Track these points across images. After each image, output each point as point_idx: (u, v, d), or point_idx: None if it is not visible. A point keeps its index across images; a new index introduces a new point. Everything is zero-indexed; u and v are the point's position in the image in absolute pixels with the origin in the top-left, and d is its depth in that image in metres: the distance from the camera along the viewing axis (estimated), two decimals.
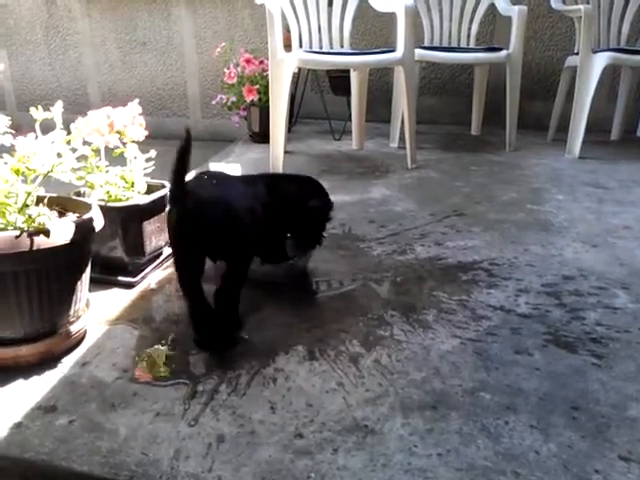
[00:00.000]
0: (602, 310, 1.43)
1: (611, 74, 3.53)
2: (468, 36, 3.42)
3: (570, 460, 0.93)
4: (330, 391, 1.11)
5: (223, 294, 1.25)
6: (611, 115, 3.55)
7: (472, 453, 0.95)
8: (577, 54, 3.05)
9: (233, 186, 1.39)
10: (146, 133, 1.52)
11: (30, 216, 1.17)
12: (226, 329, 1.27)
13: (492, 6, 3.30)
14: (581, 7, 2.91)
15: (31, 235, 1.09)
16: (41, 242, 1.10)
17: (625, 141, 3.52)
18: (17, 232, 1.09)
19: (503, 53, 3.05)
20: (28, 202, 1.18)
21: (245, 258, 1.29)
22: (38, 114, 1.23)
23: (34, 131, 1.20)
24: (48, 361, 1.19)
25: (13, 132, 1.21)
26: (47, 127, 1.23)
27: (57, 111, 1.25)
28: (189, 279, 1.23)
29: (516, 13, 3.03)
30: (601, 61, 2.88)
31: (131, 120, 1.47)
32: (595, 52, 2.95)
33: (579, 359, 1.22)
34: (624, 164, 2.96)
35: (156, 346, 1.26)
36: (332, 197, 1.60)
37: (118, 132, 1.46)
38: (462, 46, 3.41)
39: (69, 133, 1.29)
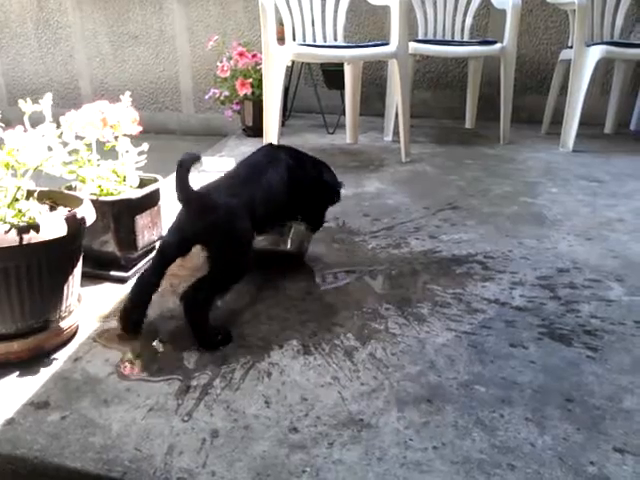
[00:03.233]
0: (596, 302, 1.43)
1: (605, 67, 3.53)
2: (462, 29, 3.41)
3: (565, 452, 0.93)
4: (325, 385, 1.10)
5: (192, 295, 1.22)
6: (605, 108, 3.56)
7: (468, 446, 0.95)
8: (571, 47, 3.05)
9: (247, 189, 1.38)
10: (140, 129, 1.51)
11: (20, 210, 1.15)
12: (206, 339, 1.24)
13: None
14: (575, 0, 2.91)
15: (21, 230, 1.08)
16: (31, 237, 1.08)
17: (618, 134, 3.53)
18: (7, 227, 1.08)
19: (497, 46, 3.04)
20: (18, 196, 1.17)
21: (232, 265, 1.27)
22: (27, 107, 1.21)
23: (24, 125, 1.18)
24: (40, 357, 1.17)
25: (3, 126, 1.19)
26: (38, 121, 1.22)
27: (46, 104, 1.23)
28: (161, 264, 1.29)
29: (510, 6, 3.02)
30: (595, 54, 2.88)
31: (125, 117, 1.46)
32: (589, 45, 2.95)
33: (574, 352, 1.22)
34: (617, 157, 2.97)
35: (150, 341, 1.26)
36: None
37: (112, 127, 1.45)
38: (456, 39, 3.41)
39: (60, 127, 1.27)
